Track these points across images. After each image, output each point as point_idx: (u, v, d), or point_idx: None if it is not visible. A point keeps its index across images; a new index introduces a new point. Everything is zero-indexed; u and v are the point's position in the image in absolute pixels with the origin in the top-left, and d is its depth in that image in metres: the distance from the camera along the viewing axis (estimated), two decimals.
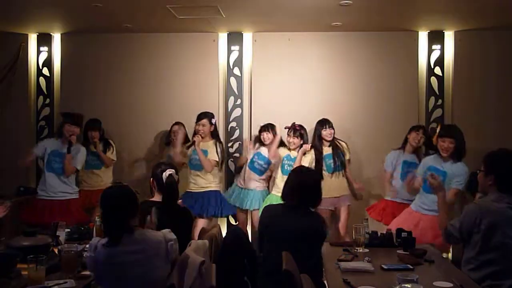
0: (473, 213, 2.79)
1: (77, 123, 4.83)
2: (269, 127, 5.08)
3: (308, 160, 4.90)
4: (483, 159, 2.99)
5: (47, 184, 4.80)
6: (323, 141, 5.05)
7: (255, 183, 5.08)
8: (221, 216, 5.07)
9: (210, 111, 5.06)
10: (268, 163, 5.05)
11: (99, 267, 2.46)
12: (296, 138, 4.92)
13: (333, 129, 5.04)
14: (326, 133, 5.03)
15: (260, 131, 5.13)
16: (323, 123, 5.06)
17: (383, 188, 5.07)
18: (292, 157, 4.94)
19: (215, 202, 4.90)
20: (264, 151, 5.08)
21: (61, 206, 4.74)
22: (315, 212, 3.34)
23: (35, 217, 4.66)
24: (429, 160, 4.28)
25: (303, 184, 3.26)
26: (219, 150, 4.94)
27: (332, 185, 4.99)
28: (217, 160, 4.91)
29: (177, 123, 5.31)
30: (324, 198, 4.98)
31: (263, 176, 5.10)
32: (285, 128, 5.01)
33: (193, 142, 4.85)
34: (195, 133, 4.94)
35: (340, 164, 5.03)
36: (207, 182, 4.92)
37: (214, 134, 5.03)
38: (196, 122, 4.95)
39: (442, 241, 3.09)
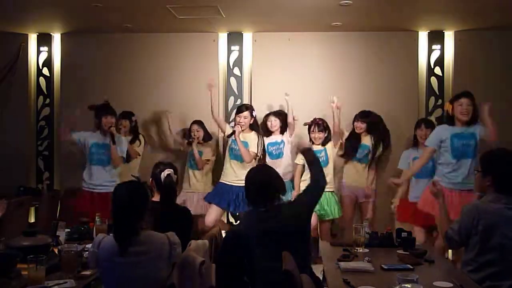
0: (471, 214, 2.78)
1: (112, 112, 4.84)
2: (276, 113, 5.15)
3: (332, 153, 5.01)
4: (480, 159, 2.98)
5: (93, 176, 4.77)
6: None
7: (284, 169, 5.00)
8: None
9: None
10: (281, 143, 5.10)
11: (101, 264, 2.46)
12: (321, 132, 4.97)
13: (364, 123, 5.06)
14: (356, 124, 5.11)
15: (267, 118, 5.16)
16: (357, 115, 5.13)
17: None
18: (315, 150, 4.89)
19: None
20: (271, 138, 5.13)
21: (102, 198, 4.63)
22: (294, 201, 3.31)
23: (81, 207, 4.64)
24: (444, 130, 4.19)
25: (261, 182, 3.13)
26: (259, 142, 4.95)
27: (353, 174, 5.08)
28: (256, 152, 4.92)
29: (195, 122, 5.30)
30: (342, 183, 5.12)
31: (282, 158, 5.07)
32: (304, 124, 5.05)
33: (233, 132, 4.86)
34: (235, 124, 4.99)
35: (364, 156, 5.06)
36: None
37: (254, 127, 5.03)
38: (237, 114, 4.98)
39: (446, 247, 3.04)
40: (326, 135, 4.99)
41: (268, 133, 5.16)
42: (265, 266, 3.05)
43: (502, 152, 2.94)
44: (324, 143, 4.98)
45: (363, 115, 5.10)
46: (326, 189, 4.81)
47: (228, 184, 4.96)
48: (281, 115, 5.16)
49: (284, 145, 5.12)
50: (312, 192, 3.21)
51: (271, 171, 3.34)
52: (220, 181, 5.06)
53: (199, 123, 5.31)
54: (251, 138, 4.94)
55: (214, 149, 5.43)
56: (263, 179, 3.17)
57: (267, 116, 5.19)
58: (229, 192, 4.91)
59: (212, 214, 4.92)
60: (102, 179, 4.77)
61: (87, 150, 4.83)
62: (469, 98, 4.10)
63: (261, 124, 5.26)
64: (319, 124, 4.98)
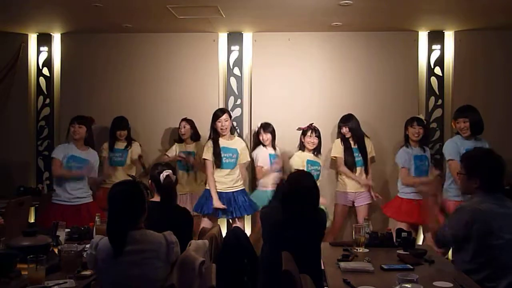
0: (464, 219, 2.76)
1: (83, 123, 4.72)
2: (266, 128, 5.14)
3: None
4: (462, 161, 2.97)
5: (63, 190, 4.64)
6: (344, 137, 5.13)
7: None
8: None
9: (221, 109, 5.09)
10: (276, 157, 5.10)
11: (99, 265, 2.46)
12: (316, 138, 5.01)
13: (349, 127, 5.08)
14: (343, 131, 5.12)
15: (258, 132, 5.18)
16: (342, 120, 5.13)
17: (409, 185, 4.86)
18: (312, 160, 4.97)
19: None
20: (264, 150, 5.12)
21: (73, 211, 4.59)
22: (318, 208, 3.35)
23: (49, 222, 4.54)
24: (459, 142, 4.36)
25: (303, 187, 3.23)
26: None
27: (351, 180, 5.04)
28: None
29: (184, 119, 5.34)
30: (339, 192, 5.06)
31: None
32: (298, 129, 5.06)
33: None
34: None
35: (359, 160, 5.04)
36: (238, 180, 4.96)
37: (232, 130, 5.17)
38: (216, 120, 4.85)
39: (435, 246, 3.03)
40: (318, 142, 5.04)
41: (262, 145, 5.15)
42: (273, 261, 3.08)
43: (483, 151, 3.02)
44: (315, 150, 5.03)
45: (348, 118, 5.11)
46: None
47: (220, 192, 4.83)
48: (270, 128, 5.15)
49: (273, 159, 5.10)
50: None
51: (312, 177, 3.38)
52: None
53: (188, 120, 5.32)
54: (241, 146, 4.96)
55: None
56: (307, 184, 3.26)
57: (259, 129, 5.20)
58: (224, 200, 4.81)
59: (205, 226, 4.71)
60: (74, 193, 4.64)
61: (64, 163, 4.65)
62: (465, 117, 4.33)
63: (254, 135, 5.31)
64: (315, 130, 5.01)
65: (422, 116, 4.99)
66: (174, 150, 5.31)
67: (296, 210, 3.19)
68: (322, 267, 3.22)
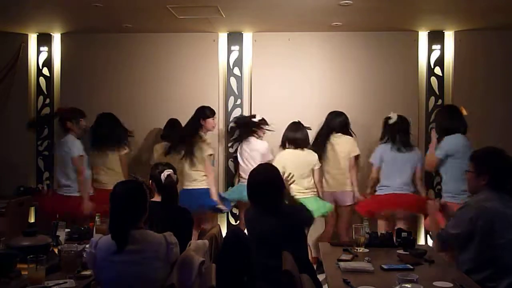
0: (469, 216, 2.77)
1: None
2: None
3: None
4: (472, 159, 2.96)
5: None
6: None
7: None
8: None
9: None
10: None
11: (98, 264, 2.46)
12: None
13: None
14: None
15: None
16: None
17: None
18: None
19: None
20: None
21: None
22: (291, 204, 3.30)
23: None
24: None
25: (265, 181, 3.19)
26: None
27: (331, 179, 4.97)
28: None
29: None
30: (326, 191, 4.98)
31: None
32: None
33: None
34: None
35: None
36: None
37: None
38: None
39: (436, 248, 3.00)
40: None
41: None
42: (265, 264, 3.07)
43: (494, 149, 2.97)
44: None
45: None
46: (307, 195, 4.75)
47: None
48: (237, 122, 5.26)
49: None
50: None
51: (273, 169, 3.35)
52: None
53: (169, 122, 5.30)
54: None
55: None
56: (263, 178, 3.22)
57: None
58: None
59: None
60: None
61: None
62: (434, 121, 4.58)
63: None
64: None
65: (392, 115, 4.85)
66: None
67: (257, 205, 3.20)
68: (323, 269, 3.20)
